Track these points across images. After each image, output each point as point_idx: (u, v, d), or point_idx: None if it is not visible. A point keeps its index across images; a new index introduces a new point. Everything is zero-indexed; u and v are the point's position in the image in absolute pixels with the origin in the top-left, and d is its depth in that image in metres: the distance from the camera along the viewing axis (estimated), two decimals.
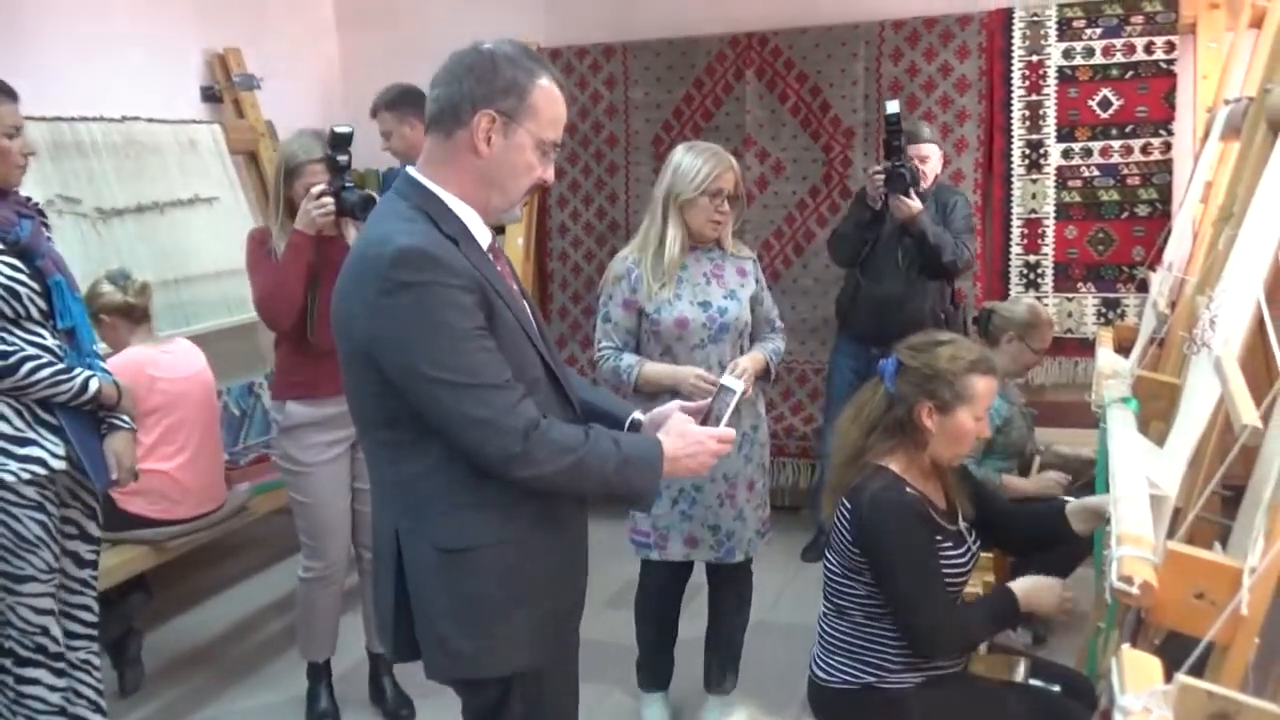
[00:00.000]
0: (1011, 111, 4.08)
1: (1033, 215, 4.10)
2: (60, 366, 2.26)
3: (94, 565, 2.50)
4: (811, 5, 4.29)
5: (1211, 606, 1.10)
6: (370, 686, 2.97)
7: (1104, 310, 4.03)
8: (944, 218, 3.50)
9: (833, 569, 2.07)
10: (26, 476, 2.22)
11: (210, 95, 4.33)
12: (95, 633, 2.51)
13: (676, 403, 1.76)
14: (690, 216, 2.52)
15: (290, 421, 2.68)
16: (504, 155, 1.52)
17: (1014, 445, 3.05)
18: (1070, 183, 4.03)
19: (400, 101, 3.18)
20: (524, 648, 1.60)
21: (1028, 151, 4.08)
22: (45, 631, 2.33)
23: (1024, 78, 4.05)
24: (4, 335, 2.20)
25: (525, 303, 1.65)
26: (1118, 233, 3.99)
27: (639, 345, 2.60)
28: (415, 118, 3.00)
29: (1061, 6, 3.98)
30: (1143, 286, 3.66)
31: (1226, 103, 2.57)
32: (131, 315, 2.99)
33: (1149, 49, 3.88)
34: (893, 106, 3.25)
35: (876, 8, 4.21)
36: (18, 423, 2.23)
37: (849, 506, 2.00)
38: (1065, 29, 3.98)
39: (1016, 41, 4.05)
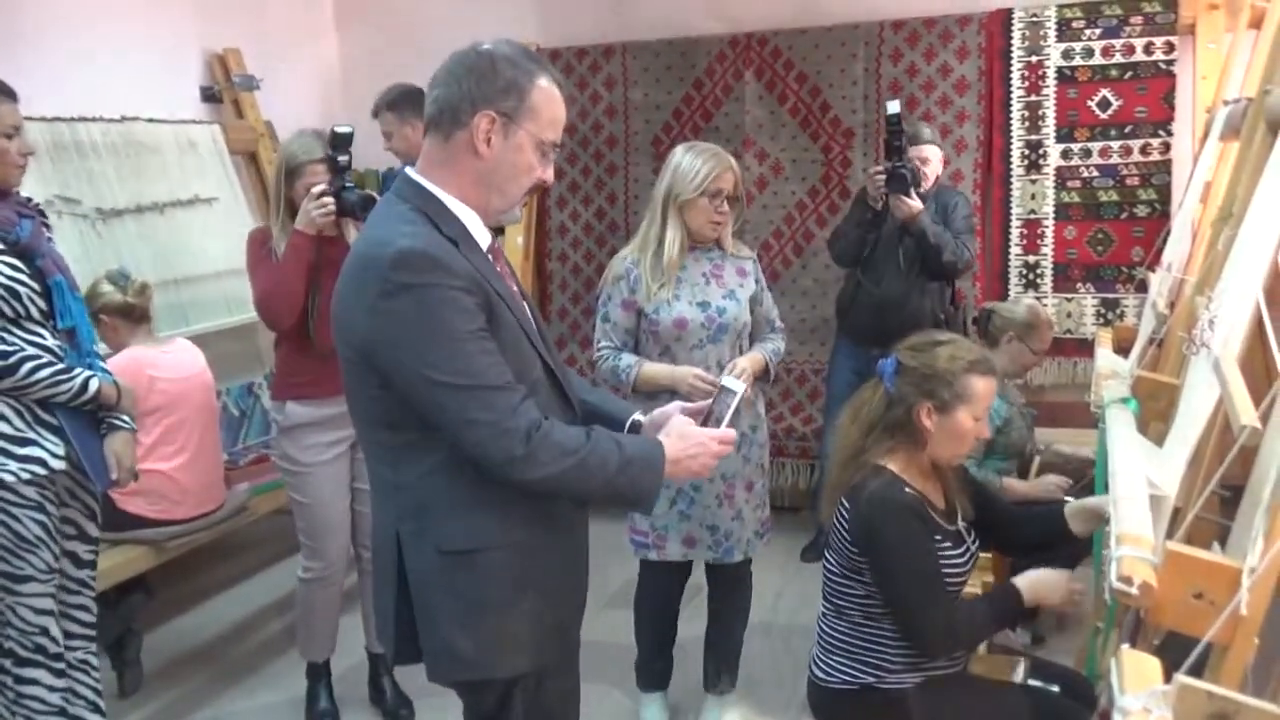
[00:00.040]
0: (1011, 112, 4.08)
1: (1032, 216, 4.10)
2: (60, 366, 2.26)
3: (92, 565, 2.50)
4: (811, 5, 4.29)
5: (1211, 607, 1.10)
6: (370, 687, 2.97)
7: (1103, 311, 4.03)
8: (945, 218, 3.50)
9: (832, 569, 2.07)
10: (26, 476, 2.22)
11: (210, 95, 4.33)
12: (93, 633, 2.51)
13: (677, 404, 1.76)
14: (690, 217, 2.52)
15: (290, 422, 2.68)
16: (504, 156, 1.52)
17: (1014, 446, 3.05)
18: (1069, 183, 4.03)
19: (402, 102, 3.19)
20: (526, 650, 1.59)
21: (1027, 152, 4.08)
22: (45, 632, 2.33)
23: (1023, 78, 4.05)
24: (4, 335, 2.20)
25: (525, 304, 1.64)
26: (1117, 233, 3.99)
27: (638, 345, 2.60)
28: (417, 118, 2.99)
29: (1061, 7, 3.98)
30: (1142, 287, 3.65)
31: (1226, 103, 2.57)
32: (131, 315, 3.00)
33: (1148, 49, 3.88)
34: (893, 107, 3.25)
35: (876, 8, 4.21)
36: (18, 423, 2.23)
37: (848, 506, 2.00)
38: (1065, 29, 3.98)
39: (1016, 42, 4.05)
